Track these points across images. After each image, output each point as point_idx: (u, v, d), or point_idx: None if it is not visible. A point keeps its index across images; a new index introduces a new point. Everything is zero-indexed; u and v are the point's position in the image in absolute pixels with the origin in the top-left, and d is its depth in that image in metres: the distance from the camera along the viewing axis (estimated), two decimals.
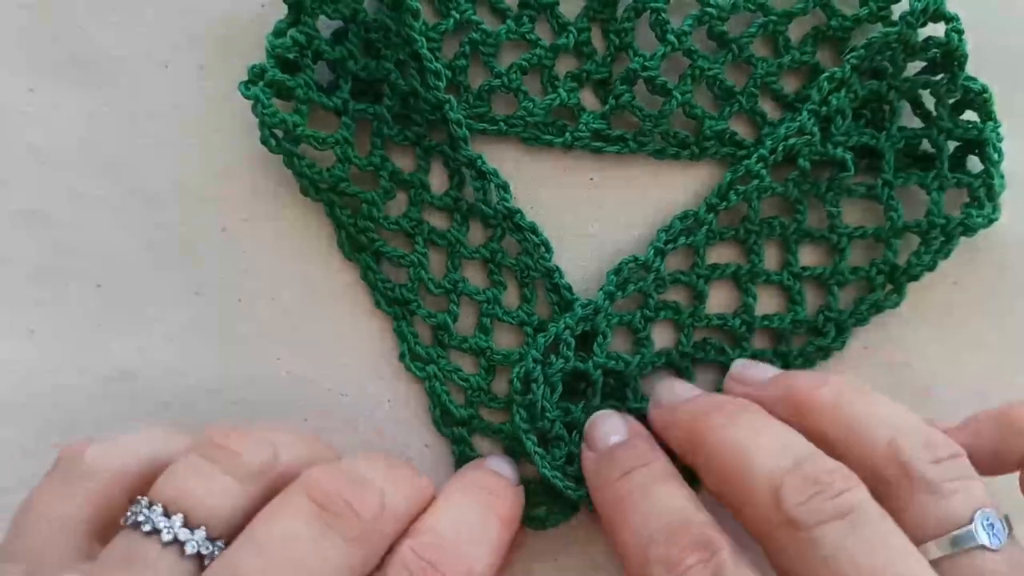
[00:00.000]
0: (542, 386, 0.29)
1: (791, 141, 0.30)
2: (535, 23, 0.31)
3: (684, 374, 0.31)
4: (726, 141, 0.30)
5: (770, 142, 0.30)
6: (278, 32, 0.29)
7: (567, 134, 0.31)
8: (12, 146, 0.31)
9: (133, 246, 0.31)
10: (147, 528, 0.23)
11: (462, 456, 0.31)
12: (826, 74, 0.30)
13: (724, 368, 0.30)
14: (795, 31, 0.31)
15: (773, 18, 0.30)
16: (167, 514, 0.24)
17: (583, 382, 0.30)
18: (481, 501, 0.27)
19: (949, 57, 0.29)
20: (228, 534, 0.24)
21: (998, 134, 0.29)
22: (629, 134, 0.31)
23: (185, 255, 0.31)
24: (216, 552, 0.24)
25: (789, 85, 0.31)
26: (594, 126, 0.31)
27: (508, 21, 0.31)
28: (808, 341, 0.30)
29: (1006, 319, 0.31)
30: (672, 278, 0.30)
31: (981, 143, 0.29)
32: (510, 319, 0.31)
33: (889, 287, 0.30)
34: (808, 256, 0.31)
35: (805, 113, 0.30)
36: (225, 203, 0.31)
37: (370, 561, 0.25)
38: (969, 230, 0.29)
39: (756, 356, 0.30)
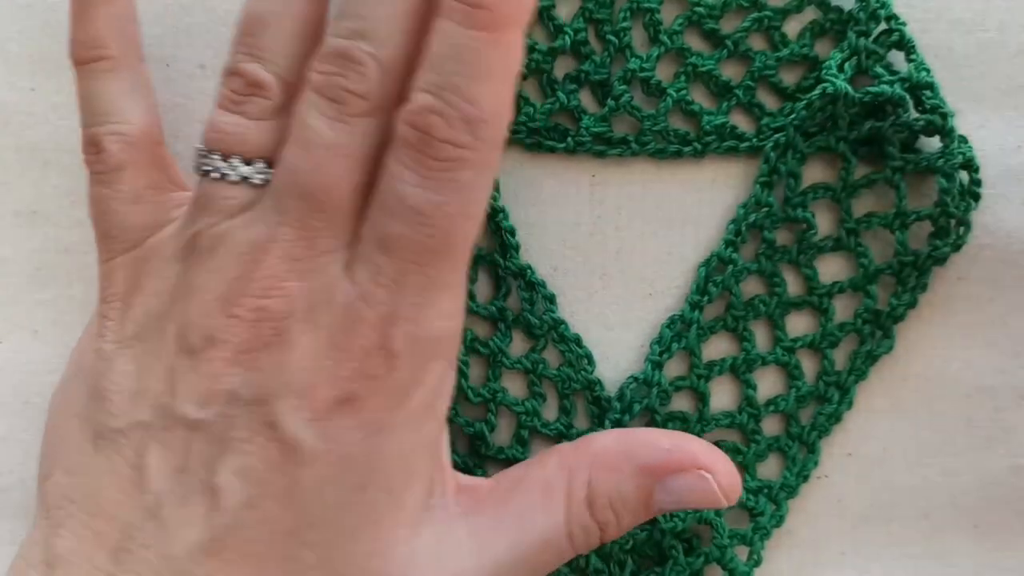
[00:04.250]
0: None
1: (751, 218, 0.30)
2: (531, 28, 0.31)
3: None
4: (727, 135, 0.31)
5: (733, 225, 0.30)
6: None
7: (569, 139, 0.31)
8: (13, 146, 0.31)
9: None
10: (215, 175, 0.25)
11: None
12: (770, 143, 0.30)
13: (742, 469, 0.30)
14: (793, 26, 0.31)
15: (768, 13, 0.30)
16: (225, 158, 0.25)
17: None
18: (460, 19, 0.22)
19: (889, 101, 0.29)
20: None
21: (949, 158, 0.29)
22: (631, 136, 0.31)
23: None
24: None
25: (789, 77, 0.31)
26: (595, 130, 0.31)
27: None
28: (817, 412, 0.30)
29: (1011, 315, 0.31)
30: (674, 386, 0.30)
31: (934, 172, 0.29)
32: (548, 431, 0.30)
33: (879, 334, 0.30)
34: (797, 324, 0.31)
35: (757, 186, 0.30)
36: None
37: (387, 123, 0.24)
38: (939, 261, 0.30)
39: (771, 448, 0.30)
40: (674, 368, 0.31)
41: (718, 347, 0.31)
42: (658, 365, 0.30)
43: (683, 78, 0.30)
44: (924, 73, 0.29)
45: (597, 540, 0.26)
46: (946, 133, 0.29)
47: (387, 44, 0.23)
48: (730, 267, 0.30)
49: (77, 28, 0.27)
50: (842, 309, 0.30)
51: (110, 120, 0.27)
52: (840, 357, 0.30)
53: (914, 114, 0.29)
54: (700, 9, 0.30)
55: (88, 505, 0.24)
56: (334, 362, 0.23)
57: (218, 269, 0.24)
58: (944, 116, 0.29)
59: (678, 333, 0.30)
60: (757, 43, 0.31)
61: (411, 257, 0.23)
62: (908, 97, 0.29)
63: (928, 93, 0.29)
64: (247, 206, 0.24)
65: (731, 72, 0.31)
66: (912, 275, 0.30)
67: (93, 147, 0.27)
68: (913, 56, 0.29)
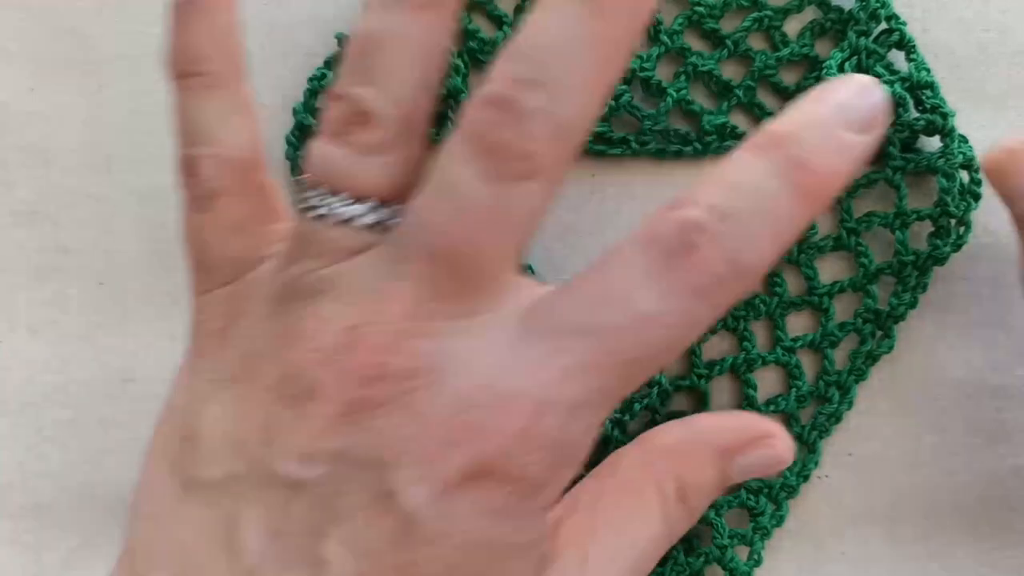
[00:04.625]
0: None
1: None
2: None
3: None
4: (727, 135, 0.31)
5: None
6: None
7: None
8: (13, 146, 0.31)
9: (134, 245, 0.31)
10: (321, 211, 0.22)
11: None
12: None
13: None
14: (793, 26, 0.31)
15: (768, 13, 0.30)
16: (333, 194, 0.22)
17: None
18: (779, 168, 0.20)
19: (893, 103, 0.29)
20: (402, 194, 0.22)
21: (949, 158, 0.29)
22: (631, 136, 0.31)
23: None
24: (393, 216, 0.22)
25: (789, 77, 0.31)
26: (595, 129, 0.31)
27: (505, 27, 0.31)
28: (817, 411, 0.30)
29: (1011, 315, 0.31)
30: (674, 386, 0.30)
31: (934, 172, 0.29)
32: None
33: (879, 333, 0.30)
34: (797, 323, 0.31)
35: None
36: None
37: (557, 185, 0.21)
38: (939, 261, 0.30)
39: None
40: (674, 368, 0.31)
41: (718, 347, 0.31)
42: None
43: (683, 78, 0.30)
44: (924, 73, 0.29)
45: (685, 529, 0.26)
46: (946, 133, 0.29)
47: (566, 102, 0.20)
48: None
49: (176, 39, 0.25)
50: (842, 309, 0.30)
51: (206, 142, 0.24)
52: (840, 357, 0.30)
53: (914, 114, 0.29)
54: (700, 9, 0.30)
55: (172, 560, 0.22)
56: (464, 436, 0.20)
57: (327, 317, 0.21)
58: (944, 116, 0.29)
59: None
60: (757, 43, 0.31)
61: (606, 352, 0.20)
62: (908, 97, 0.29)
63: (928, 93, 0.29)
64: (356, 250, 0.22)
65: (731, 72, 0.31)
66: (912, 275, 0.30)
67: (187, 170, 0.24)
68: (913, 56, 0.29)
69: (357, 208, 0.22)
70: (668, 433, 0.26)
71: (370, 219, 0.22)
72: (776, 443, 0.25)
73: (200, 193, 0.24)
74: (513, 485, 0.21)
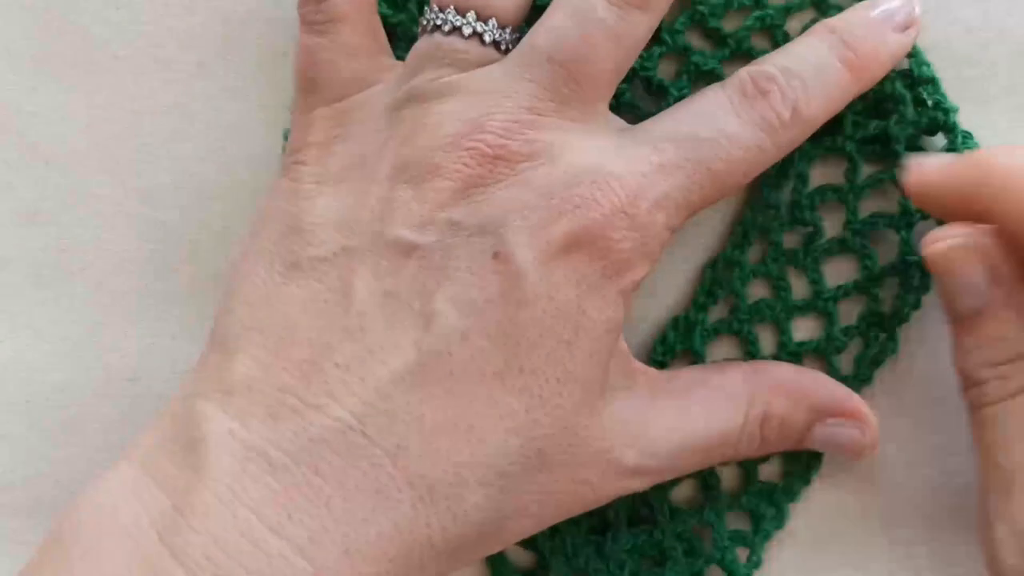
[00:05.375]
0: None
1: (759, 220, 0.30)
2: None
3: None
4: None
5: (740, 227, 0.30)
6: None
7: None
8: (14, 145, 0.31)
9: (134, 245, 0.31)
10: (447, 28, 0.26)
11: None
12: None
13: (743, 471, 0.30)
14: (795, 25, 0.31)
15: (770, 12, 0.30)
16: (461, 13, 0.26)
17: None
18: (832, 46, 0.27)
19: (891, 99, 0.29)
20: (516, 21, 0.27)
21: (955, 152, 0.29)
22: None
23: (187, 254, 0.31)
24: (510, 39, 0.26)
25: None
26: None
27: None
28: None
29: None
30: None
31: None
32: None
33: (883, 336, 0.30)
34: (802, 327, 0.31)
35: (765, 189, 0.30)
36: (226, 201, 0.31)
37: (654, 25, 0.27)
38: None
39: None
40: None
41: (721, 350, 0.31)
42: (662, 366, 0.30)
43: (685, 77, 0.30)
44: (925, 68, 0.29)
45: (754, 453, 0.28)
46: (949, 128, 0.29)
47: None
48: (736, 269, 0.30)
49: None
50: (845, 312, 0.30)
51: None
52: (845, 360, 0.30)
53: (915, 112, 0.29)
54: (702, 8, 0.30)
55: (274, 330, 0.24)
56: (571, 206, 0.24)
57: (452, 111, 0.25)
58: (947, 112, 0.29)
59: (682, 334, 0.30)
60: (759, 42, 0.31)
61: (694, 158, 0.25)
62: (908, 95, 0.29)
63: (930, 88, 0.29)
64: (480, 62, 0.26)
65: (733, 71, 0.31)
66: (916, 275, 0.30)
67: None
68: (913, 53, 0.29)
69: (482, 25, 0.26)
70: (780, 368, 0.29)
71: (495, 35, 0.26)
72: (867, 431, 0.28)
73: (323, 18, 0.27)
74: (603, 260, 0.25)
